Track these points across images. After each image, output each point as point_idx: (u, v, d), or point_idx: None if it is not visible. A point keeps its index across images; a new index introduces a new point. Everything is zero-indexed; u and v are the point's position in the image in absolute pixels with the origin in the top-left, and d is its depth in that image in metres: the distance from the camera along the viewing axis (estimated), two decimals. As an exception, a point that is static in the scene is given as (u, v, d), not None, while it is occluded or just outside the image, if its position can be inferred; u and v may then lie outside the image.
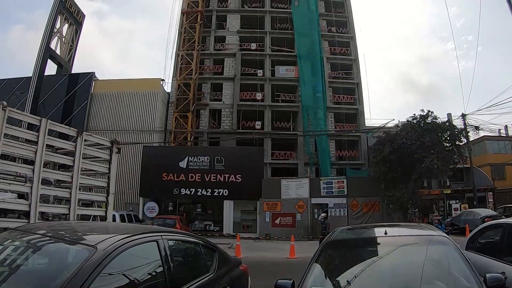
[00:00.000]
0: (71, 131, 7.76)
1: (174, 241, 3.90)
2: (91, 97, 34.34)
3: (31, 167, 6.65)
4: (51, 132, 7.06)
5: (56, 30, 35.75)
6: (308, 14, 36.64)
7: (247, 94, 35.52)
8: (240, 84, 35.72)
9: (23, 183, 6.77)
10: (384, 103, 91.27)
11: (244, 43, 37.73)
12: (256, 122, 33.94)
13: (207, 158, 27.85)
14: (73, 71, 37.90)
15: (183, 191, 27.34)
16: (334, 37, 37.60)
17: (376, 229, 4.92)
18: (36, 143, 6.70)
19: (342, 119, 34.94)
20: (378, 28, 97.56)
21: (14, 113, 6.44)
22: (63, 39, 37.48)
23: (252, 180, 27.31)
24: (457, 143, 25.60)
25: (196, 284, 3.69)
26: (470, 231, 10.51)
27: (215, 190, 27.32)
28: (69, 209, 7.39)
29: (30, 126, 7.31)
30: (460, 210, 26.94)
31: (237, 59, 36.60)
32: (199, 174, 27.47)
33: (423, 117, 25.23)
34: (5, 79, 35.60)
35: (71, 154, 7.58)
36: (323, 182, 27.51)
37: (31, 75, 33.44)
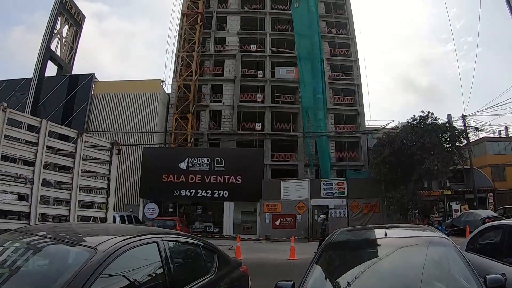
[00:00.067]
0: (71, 133, 7.77)
1: (175, 243, 3.90)
2: (91, 99, 34.32)
3: (32, 168, 6.65)
4: (51, 134, 7.06)
5: (56, 31, 35.77)
6: (308, 15, 36.65)
7: (247, 95, 35.52)
8: (240, 85, 35.72)
9: (23, 185, 6.77)
10: (384, 104, 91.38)
11: (244, 45, 37.74)
12: (256, 124, 33.94)
13: (207, 160, 27.88)
14: (73, 73, 37.93)
15: (183, 192, 27.36)
16: (334, 38, 37.61)
17: (376, 231, 4.92)
18: (36, 144, 6.70)
19: (342, 121, 34.95)
20: (378, 29, 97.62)
21: (14, 114, 6.44)
22: (64, 40, 37.50)
23: (252, 181, 27.32)
24: (457, 144, 25.60)
25: (197, 285, 3.69)
26: (470, 232, 10.51)
27: (215, 191, 27.34)
28: (69, 210, 7.40)
29: (31, 128, 7.31)
30: (460, 211, 26.90)
31: (237, 61, 36.61)
32: (199, 176, 27.49)
33: (423, 118, 25.23)
34: (5, 80, 35.59)
35: (71, 155, 7.57)
36: (323, 184, 27.51)
37: (31, 76, 33.44)
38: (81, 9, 39.34)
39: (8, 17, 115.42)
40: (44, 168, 6.87)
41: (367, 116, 35.95)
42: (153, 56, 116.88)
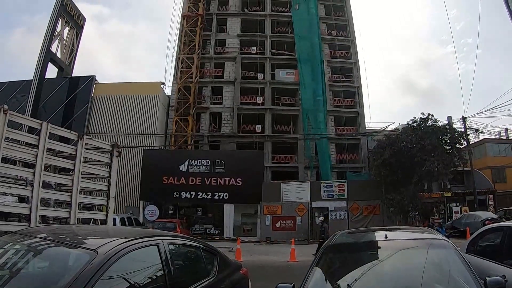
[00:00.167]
0: (71, 135, 7.78)
1: (175, 245, 3.91)
2: (92, 101, 34.34)
3: (32, 170, 6.66)
4: (51, 136, 7.07)
5: (57, 33, 35.84)
6: (308, 17, 36.69)
7: (247, 97, 35.54)
8: (240, 87, 35.75)
9: (23, 187, 6.77)
10: (385, 106, 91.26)
11: (244, 47, 37.79)
12: (257, 126, 33.96)
13: (208, 162, 27.87)
14: (73, 75, 37.95)
15: (183, 194, 27.35)
16: (334, 41, 37.63)
17: (376, 233, 4.92)
18: (36, 146, 6.72)
19: (343, 123, 34.95)
20: (378, 31, 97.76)
21: (15, 116, 6.45)
22: (64, 42, 37.57)
23: (253, 183, 27.30)
24: (457, 146, 25.58)
25: (197, 288, 3.69)
26: (471, 234, 10.52)
27: (215, 193, 27.32)
28: (69, 212, 7.40)
29: (31, 130, 7.31)
30: (461, 213, 26.88)
31: (238, 63, 36.64)
32: (200, 178, 27.49)
33: (423, 120, 25.22)
34: (5, 82, 35.58)
35: (72, 157, 7.58)
36: (324, 186, 27.50)
37: (31, 78, 33.47)
38: (81, 11, 39.43)
39: (8, 19, 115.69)
40: (44, 170, 6.88)
41: (367, 118, 35.98)
42: (154, 58, 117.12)
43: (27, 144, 6.87)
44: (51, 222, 7.51)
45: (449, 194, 29.23)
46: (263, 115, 34.57)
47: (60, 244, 3.21)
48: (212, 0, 39.98)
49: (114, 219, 15.79)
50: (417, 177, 24.19)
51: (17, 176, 7.03)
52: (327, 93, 35.19)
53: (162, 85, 35.94)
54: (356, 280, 3.46)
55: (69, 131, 7.92)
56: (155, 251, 3.33)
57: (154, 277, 3.30)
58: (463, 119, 27.18)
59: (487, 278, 3.37)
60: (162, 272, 3.27)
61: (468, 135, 26.91)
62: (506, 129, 37.93)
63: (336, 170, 33.29)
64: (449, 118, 28.19)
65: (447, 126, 25.78)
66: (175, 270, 3.46)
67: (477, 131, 27.11)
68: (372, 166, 27.92)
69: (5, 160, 6.41)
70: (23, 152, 6.66)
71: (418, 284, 3.35)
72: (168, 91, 36.36)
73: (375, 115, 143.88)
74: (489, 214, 23.42)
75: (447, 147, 25.40)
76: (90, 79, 35.11)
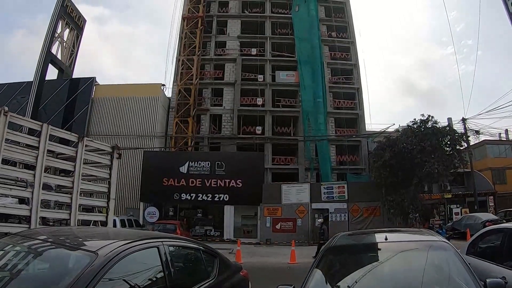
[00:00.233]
0: (72, 137, 7.78)
1: (175, 247, 3.91)
2: (92, 102, 34.37)
3: (32, 172, 6.66)
4: (52, 137, 7.07)
5: (57, 35, 35.86)
6: (308, 19, 36.72)
7: (247, 99, 35.54)
8: (240, 89, 35.76)
9: (24, 188, 6.78)
10: (385, 107, 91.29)
11: (244, 48, 37.81)
12: (257, 127, 33.95)
13: (208, 163, 27.85)
14: (74, 76, 37.99)
15: (183, 196, 27.33)
16: (335, 42, 37.65)
17: (376, 235, 4.92)
18: (37, 148, 6.72)
19: (343, 124, 34.95)
20: (378, 33, 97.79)
21: (15, 118, 6.45)
22: (64, 44, 37.60)
23: (253, 185, 27.29)
24: (457, 147, 25.58)
25: (197, 290, 3.70)
26: (471, 235, 10.51)
27: (215, 195, 27.30)
28: (69, 214, 7.40)
29: (31, 131, 7.32)
30: (461, 215, 26.86)
31: (238, 64, 36.66)
32: (200, 179, 27.47)
33: (424, 122, 25.22)
34: (6, 84, 35.63)
35: (72, 159, 7.58)
36: (324, 187, 27.50)
37: (32, 80, 33.49)
38: (82, 13, 39.47)
39: (9, 20, 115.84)
40: (44, 172, 6.88)
41: (367, 120, 36.00)
42: (154, 60, 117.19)
43: (28, 145, 6.87)
44: (51, 223, 7.52)
45: (450, 196, 29.18)
46: (263, 117, 34.57)
47: (60, 246, 3.21)
48: (212, 2, 40.01)
49: (114, 220, 15.78)
50: (417, 178, 24.18)
51: (17, 177, 7.03)
52: (327, 95, 35.20)
53: (162, 87, 35.97)
54: (356, 282, 3.46)
55: (69, 133, 7.92)
56: (155, 253, 3.34)
57: (154, 279, 3.30)
58: (463, 120, 27.18)
59: (487, 280, 3.37)
60: (162, 274, 3.28)
61: (468, 136, 26.92)
62: (507, 130, 37.99)
63: (336, 172, 33.27)
64: (449, 119, 28.21)
65: (447, 128, 25.77)
66: (175, 272, 3.46)
67: (477, 132, 27.12)
68: (372, 168, 27.90)
69: (6, 161, 6.41)
70: (24, 154, 6.66)
71: (418, 286, 3.36)
72: (168, 92, 36.43)
73: (375, 116, 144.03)
74: (489, 216, 23.39)
75: (447, 149, 25.40)
76: (91, 81, 35.13)
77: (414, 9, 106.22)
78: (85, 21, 40.38)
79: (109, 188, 8.46)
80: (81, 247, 3.07)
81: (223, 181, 27.44)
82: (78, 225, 7.37)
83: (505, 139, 38.42)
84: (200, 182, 27.38)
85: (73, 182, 7.46)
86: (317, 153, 33.13)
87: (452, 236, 21.92)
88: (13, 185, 6.89)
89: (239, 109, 34.84)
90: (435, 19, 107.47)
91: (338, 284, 3.77)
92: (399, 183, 24.53)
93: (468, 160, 27.15)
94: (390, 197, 24.64)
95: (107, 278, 2.68)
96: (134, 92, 34.47)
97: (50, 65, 35.19)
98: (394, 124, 48.59)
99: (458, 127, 26.78)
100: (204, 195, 27.28)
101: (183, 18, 37.37)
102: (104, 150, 8.56)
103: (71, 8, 37.07)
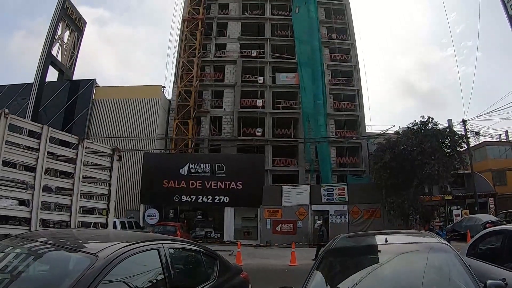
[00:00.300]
0: (72, 139, 7.78)
1: (175, 249, 3.91)
2: (92, 104, 34.40)
3: (32, 174, 6.66)
4: (52, 139, 7.07)
5: (57, 36, 35.89)
6: (308, 21, 36.75)
7: (247, 101, 35.58)
8: (240, 91, 35.82)
9: (24, 190, 6.77)
10: (385, 109, 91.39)
11: (244, 50, 37.86)
12: (257, 129, 33.98)
13: (208, 165, 27.87)
14: (74, 78, 38.03)
15: (184, 198, 27.34)
16: (335, 44, 37.72)
17: (376, 237, 4.92)
18: (37, 150, 6.72)
19: (343, 126, 34.94)
20: (378, 35, 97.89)
21: (15, 120, 6.46)
22: (65, 45, 37.62)
23: (253, 187, 27.29)
24: (457, 149, 25.58)
25: (197, 292, 3.69)
26: (471, 237, 10.52)
27: (216, 197, 27.31)
28: (70, 216, 7.39)
29: (31, 133, 7.32)
30: (461, 216, 26.89)
31: (238, 66, 36.72)
32: (200, 181, 27.47)
33: (424, 124, 25.23)
34: (6, 85, 35.67)
35: (72, 161, 7.58)
36: (324, 189, 27.49)
37: (32, 81, 33.54)
38: (82, 15, 39.53)
39: (9, 22, 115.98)
40: (45, 173, 6.88)
41: (367, 122, 36.08)
42: (154, 62, 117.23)
43: (28, 148, 6.87)
44: (51, 225, 7.51)
45: (450, 197, 29.18)
46: (263, 119, 34.60)
47: (60, 248, 3.21)
48: (213, 3, 40.09)
49: (115, 222, 15.77)
50: (418, 180, 24.20)
51: (17, 179, 7.04)
52: (328, 97, 35.24)
53: (162, 89, 36.03)
54: (356, 284, 3.46)
55: (69, 135, 7.91)
56: (156, 255, 3.34)
57: (155, 281, 3.30)
58: (463, 122, 27.16)
59: (488, 282, 3.37)
60: (162, 276, 3.28)
61: (469, 138, 26.88)
62: (507, 132, 38.03)
63: (336, 174, 33.29)
64: (449, 121, 28.18)
65: (448, 129, 25.79)
66: (175, 274, 3.46)
67: (477, 134, 27.09)
68: (372, 170, 27.91)
69: (6, 163, 6.41)
70: (24, 156, 6.66)
71: (418, 288, 3.35)
72: (168, 94, 36.50)
73: (376, 118, 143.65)
74: (489, 217, 23.39)
75: (448, 150, 25.41)
76: (91, 83, 35.17)
77: (414, 10, 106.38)
78: (85, 23, 40.44)
79: (109, 190, 8.46)
80: (82, 249, 3.07)
81: (223, 183, 27.45)
82: (78, 227, 7.37)
83: (505, 140, 38.42)
84: (200, 184, 27.38)
85: (73, 184, 7.46)
86: (317, 155, 33.15)
87: (452, 237, 21.92)
88: (14, 187, 6.90)
89: (239, 111, 34.87)
90: (435, 21, 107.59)
91: (338, 286, 3.77)
92: (399, 184, 24.51)
93: (468, 161, 27.13)
94: (390, 199, 24.63)
95: (107, 280, 2.68)
96: (135, 94, 34.50)
97: (50, 66, 35.24)
98: (394, 125, 48.71)
99: (458, 129, 26.79)
100: (204, 197, 27.30)
101: (184, 20, 37.43)
102: (104, 152, 8.55)
103: (72, 10, 37.11)
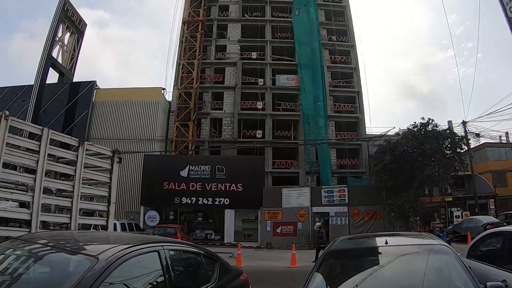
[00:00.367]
0: (72, 141, 7.79)
1: (175, 251, 3.91)
2: (93, 106, 34.42)
3: (33, 176, 6.67)
4: (52, 141, 7.08)
5: (58, 38, 35.94)
6: (308, 23, 36.80)
7: (248, 103, 35.59)
8: (241, 93, 35.83)
9: (24, 192, 6.78)
10: (385, 111, 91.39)
11: (244, 52, 37.91)
12: (257, 131, 34.00)
13: (208, 167, 27.86)
14: (74, 80, 38.05)
15: (184, 200, 27.33)
16: (335, 46, 37.76)
17: (376, 239, 4.92)
18: (37, 152, 6.73)
19: (343, 128, 34.95)
20: (378, 36, 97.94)
21: (16, 122, 6.47)
22: (65, 47, 37.67)
23: (253, 189, 27.26)
24: (458, 150, 25.52)
25: (197, 294, 3.69)
26: (472, 238, 10.51)
27: (216, 199, 27.29)
28: (70, 218, 7.40)
29: (32, 135, 7.33)
30: (462, 218, 26.83)
31: (238, 68, 36.75)
32: (200, 183, 27.47)
33: (424, 125, 25.18)
34: (6, 87, 35.71)
35: (73, 163, 7.59)
36: (324, 191, 27.43)
37: (32, 83, 33.56)
38: (82, 17, 39.60)
39: (9, 24, 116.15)
40: (45, 176, 6.89)
41: (367, 123, 35.99)
42: (154, 64, 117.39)
43: (28, 149, 6.88)
44: (51, 227, 7.51)
45: (450, 199, 29.18)
46: (263, 121, 34.61)
47: (61, 250, 3.21)
48: (213, 5, 40.17)
49: (115, 224, 15.78)
50: (418, 182, 24.15)
51: (18, 181, 7.04)
52: (328, 98, 35.25)
53: (162, 91, 36.04)
54: (356, 286, 3.46)
55: (70, 137, 7.94)
56: (156, 257, 3.34)
57: (155, 283, 3.30)
58: (464, 123, 27.16)
59: (488, 283, 3.38)
60: (162, 278, 3.28)
61: (469, 139, 26.87)
62: (507, 133, 38.00)
63: (336, 176, 33.28)
64: (450, 122, 28.17)
65: (448, 131, 25.76)
66: (175, 276, 3.46)
67: (477, 135, 27.09)
68: (372, 171, 27.88)
69: (6, 165, 6.42)
70: (24, 158, 6.67)
71: (418, 290, 3.35)
72: (168, 96, 36.50)
73: (376, 119, 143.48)
74: (490, 219, 23.38)
75: (448, 152, 25.37)
76: (91, 85, 35.20)
77: (413, 12, 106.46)
78: (85, 25, 40.49)
79: (109, 192, 8.47)
80: (82, 251, 3.07)
81: (223, 185, 27.44)
82: (78, 229, 7.37)
83: (505, 141, 38.41)
84: (200, 186, 27.38)
85: (73, 186, 7.47)
86: (318, 156, 33.15)
87: (452, 239, 21.88)
88: (14, 189, 6.90)
89: (240, 113, 34.88)
90: (435, 22, 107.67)
91: (339, 288, 3.77)
92: (399, 186, 24.48)
93: (469, 163, 27.12)
94: (391, 201, 24.59)
95: (107, 283, 2.68)
96: (135, 96, 34.51)
97: (50, 68, 35.28)
98: (394, 127, 48.79)
99: (459, 130, 26.79)
100: (205, 199, 27.29)
101: (184, 22, 37.48)
102: (105, 154, 8.57)
103: (72, 12, 37.17)
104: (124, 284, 2.91)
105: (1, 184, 6.54)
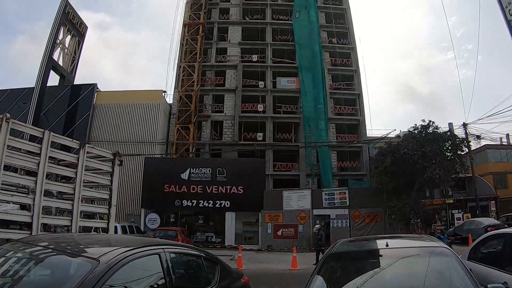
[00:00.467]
0: (73, 143, 7.79)
1: (176, 254, 3.91)
2: (93, 108, 34.47)
3: (34, 178, 6.67)
4: (53, 144, 7.08)
5: (58, 41, 36.03)
6: (308, 25, 36.84)
7: (248, 105, 35.59)
8: (241, 95, 35.82)
9: (25, 195, 6.78)
10: (385, 113, 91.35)
11: (245, 55, 37.94)
12: (258, 134, 33.99)
13: (209, 170, 27.86)
14: (75, 82, 38.14)
15: (184, 202, 27.32)
16: (335, 48, 37.76)
17: (377, 241, 4.91)
18: (38, 154, 6.73)
19: (344, 130, 34.93)
20: (378, 39, 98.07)
21: (17, 125, 6.47)
22: (66, 50, 37.78)
23: (254, 191, 27.27)
24: (458, 152, 25.52)
25: (198, 296, 3.69)
26: (473, 240, 10.50)
27: (217, 201, 27.28)
28: (71, 220, 7.39)
29: (33, 138, 7.33)
30: (463, 220, 26.81)
31: (239, 71, 36.76)
32: (201, 186, 27.46)
33: (424, 127, 25.17)
34: (7, 90, 35.80)
35: (73, 166, 7.59)
36: (325, 193, 27.42)
37: (33, 86, 33.65)
38: (83, 20, 39.69)
39: (10, 27, 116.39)
40: (46, 178, 6.89)
41: (368, 126, 35.95)
42: (155, 66, 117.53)
43: (29, 152, 6.88)
44: (52, 230, 7.51)
45: (451, 201, 29.14)
46: (264, 123, 34.61)
47: (62, 252, 3.21)
48: (213, 8, 40.24)
49: (116, 227, 15.73)
50: (419, 184, 24.15)
51: (19, 184, 7.04)
52: (328, 101, 35.24)
53: (163, 93, 36.05)
54: (357, 288, 3.46)
55: (70, 139, 7.92)
56: (157, 260, 3.34)
57: (156, 286, 3.30)
58: (464, 125, 27.17)
59: (489, 286, 3.38)
60: (163, 280, 3.28)
61: (469, 141, 26.86)
62: (508, 135, 37.95)
63: (337, 178, 33.23)
64: (450, 124, 28.19)
65: (448, 133, 25.78)
66: (176, 279, 3.46)
67: (478, 137, 27.09)
68: (373, 174, 27.85)
69: (7, 168, 6.42)
70: (25, 160, 6.67)
71: (419, 292, 3.35)
72: (169, 99, 36.51)
73: (376, 122, 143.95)
74: (491, 221, 23.35)
75: (449, 154, 25.35)
76: (92, 87, 35.26)
77: (414, 13, 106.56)
78: (86, 27, 40.60)
79: (110, 195, 8.46)
80: (83, 254, 3.08)
81: (224, 187, 27.43)
82: (79, 232, 7.37)
83: (506, 143, 38.38)
84: (201, 189, 27.38)
85: (74, 189, 7.46)
86: (318, 159, 33.12)
87: (454, 241, 21.85)
88: (15, 191, 6.89)
89: (240, 116, 34.89)
90: (435, 24, 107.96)
91: (339, 290, 3.77)
92: (400, 189, 24.47)
93: (469, 165, 27.11)
94: (392, 203, 24.56)
95: (108, 285, 2.69)
96: (135, 99, 34.55)
97: (51, 71, 35.37)
98: (395, 129, 48.68)
99: (459, 132, 26.80)
100: (205, 201, 27.28)
101: (184, 25, 37.55)
102: (105, 157, 8.56)
103: (73, 15, 37.28)
104: (125, 287, 2.92)
105: (2, 187, 6.53)
